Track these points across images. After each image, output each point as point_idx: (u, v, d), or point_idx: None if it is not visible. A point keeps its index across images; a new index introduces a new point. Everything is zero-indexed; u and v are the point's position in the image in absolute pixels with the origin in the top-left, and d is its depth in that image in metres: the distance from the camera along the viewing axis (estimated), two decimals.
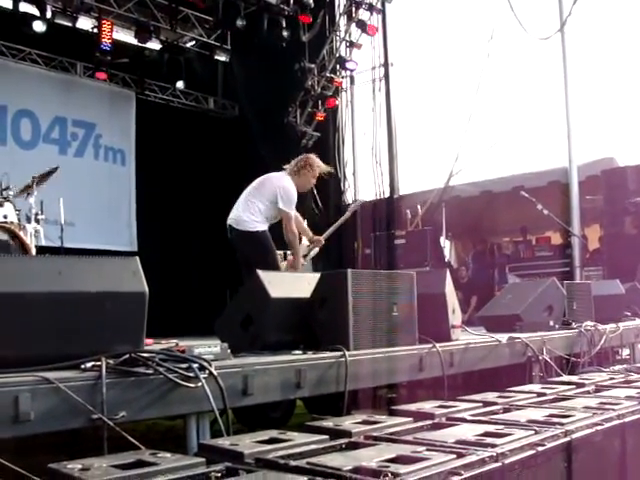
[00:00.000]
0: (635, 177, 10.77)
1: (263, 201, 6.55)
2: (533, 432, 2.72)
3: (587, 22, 11.07)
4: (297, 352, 3.82)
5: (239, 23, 11.40)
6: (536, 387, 4.23)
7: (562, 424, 2.85)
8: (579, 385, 4.25)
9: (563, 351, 5.75)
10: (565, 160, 11.28)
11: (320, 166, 6.86)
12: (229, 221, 6.66)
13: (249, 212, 6.54)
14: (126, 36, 12.95)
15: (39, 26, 10.50)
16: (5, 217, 7.32)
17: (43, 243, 7.94)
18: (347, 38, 13.07)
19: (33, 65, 12.09)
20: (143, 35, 11.88)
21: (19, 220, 7.50)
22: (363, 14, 12.66)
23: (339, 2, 13.36)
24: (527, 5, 11.33)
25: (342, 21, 13.13)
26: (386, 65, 13.49)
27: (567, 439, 2.72)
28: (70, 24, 11.33)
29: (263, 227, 6.57)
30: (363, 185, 13.89)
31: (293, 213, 6.61)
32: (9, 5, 10.69)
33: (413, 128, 13.60)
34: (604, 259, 11.26)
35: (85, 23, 11.81)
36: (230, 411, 3.14)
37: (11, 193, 7.58)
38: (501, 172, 12.60)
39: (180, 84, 13.11)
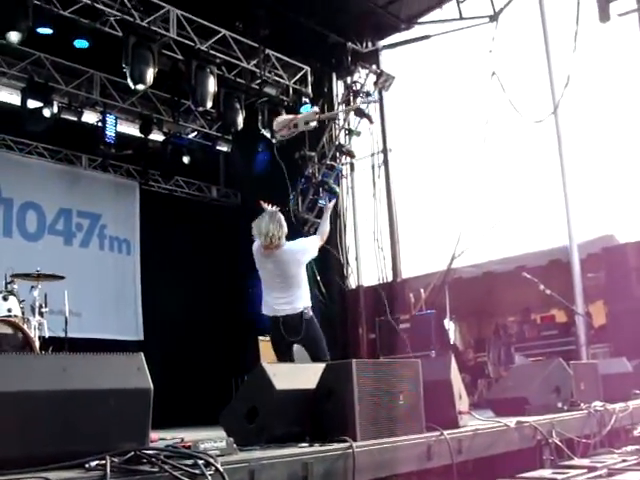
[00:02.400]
0: (635, 253, 10.82)
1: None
2: None
3: (581, 102, 11.31)
4: (304, 444, 3.78)
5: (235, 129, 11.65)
6: (547, 472, 4.18)
7: None
8: (591, 469, 4.19)
9: (573, 433, 5.66)
10: (565, 238, 11.37)
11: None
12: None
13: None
14: (129, 128, 13.27)
15: (47, 113, 10.75)
16: (9, 311, 7.37)
17: (47, 335, 7.97)
18: (346, 126, 13.34)
19: (39, 158, 12.32)
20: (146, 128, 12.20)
21: (23, 313, 7.54)
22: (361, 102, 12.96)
23: (337, 91, 13.72)
24: (520, 88, 11.62)
25: (341, 109, 13.43)
26: (385, 151, 13.74)
27: None
28: (75, 118, 11.64)
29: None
30: (366, 270, 13.96)
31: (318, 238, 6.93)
32: (17, 102, 11.02)
33: (414, 212, 13.75)
34: (610, 336, 11.20)
35: (90, 117, 12.13)
36: None
37: (15, 287, 7.65)
38: (503, 253, 12.67)
39: (186, 159, 13.21)
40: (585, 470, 4.16)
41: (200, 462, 2.96)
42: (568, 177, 11.38)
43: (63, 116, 11.48)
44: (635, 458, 4.64)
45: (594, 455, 5.21)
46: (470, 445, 4.61)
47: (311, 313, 6.50)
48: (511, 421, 5.13)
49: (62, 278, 8.39)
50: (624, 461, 4.52)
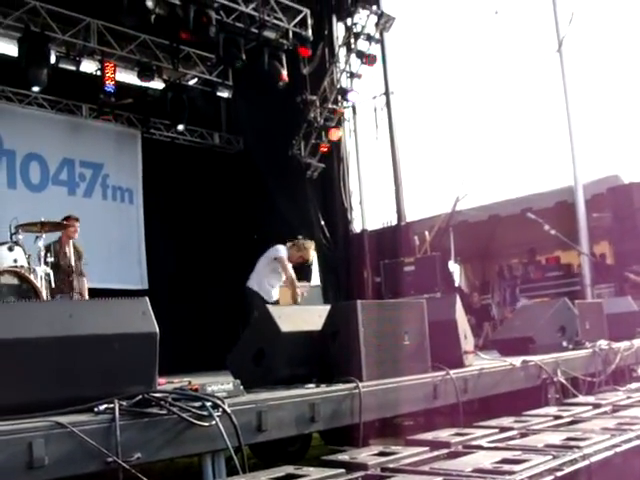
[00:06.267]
0: None
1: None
2: (551, 457, 2.69)
3: (586, 40, 11.15)
4: (310, 385, 3.80)
5: (238, 64, 11.48)
6: (552, 409, 4.20)
7: (580, 447, 2.82)
8: (596, 406, 4.21)
9: (578, 371, 5.71)
10: (571, 179, 11.29)
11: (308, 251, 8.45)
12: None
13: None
14: (129, 77, 13.11)
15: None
16: (15, 261, 7.35)
17: (54, 285, 7.98)
18: (347, 69, 13.15)
19: (39, 109, 12.21)
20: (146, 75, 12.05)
21: (29, 264, 7.54)
22: (362, 44, 12.76)
23: (337, 34, 13.49)
24: (525, 27, 11.44)
25: (342, 52, 13.23)
26: (387, 93, 13.57)
27: (586, 463, 2.69)
28: (74, 68, 11.51)
29: None
30: (370, 214, 13.93)
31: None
32: (14, 52, 10.87)
33: (418, 155, 13.65)
34: (615, 276, 11.19)
35: (88, 66, 11.98)
36: (246, 447, 3.12)
37: (20, 237, 7.63)
38: (508, 194, 12.60)
39: (181, 127, 13.21)
40: (590, 407, 4.18)
41: (208, 404, 2.99)
42: (573, 117, 11.26)
43: (61, 66, 11.34)
44: (639, 395, 4.65)
45: (599, 393, 5.24)
46: (476, 384, 4.65)
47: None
48: (516, 360, 5.16)
49: (66, 226, 8.35)
50: (629, 398, 4.54)
